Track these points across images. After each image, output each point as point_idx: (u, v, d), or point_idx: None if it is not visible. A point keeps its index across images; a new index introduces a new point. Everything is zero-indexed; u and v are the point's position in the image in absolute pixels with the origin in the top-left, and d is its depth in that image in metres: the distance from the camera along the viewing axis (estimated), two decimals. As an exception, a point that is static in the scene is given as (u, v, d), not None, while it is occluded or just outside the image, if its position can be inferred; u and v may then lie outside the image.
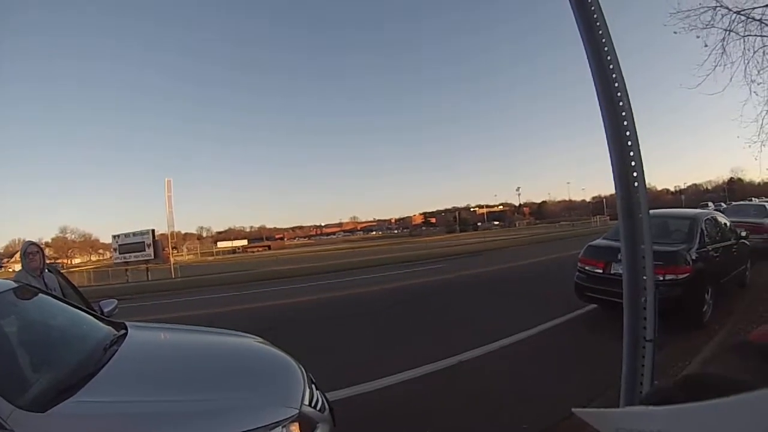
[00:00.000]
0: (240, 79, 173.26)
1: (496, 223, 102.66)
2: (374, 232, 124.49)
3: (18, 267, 3.73)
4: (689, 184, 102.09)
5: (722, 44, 8.25)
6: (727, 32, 8.15)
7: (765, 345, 0.45)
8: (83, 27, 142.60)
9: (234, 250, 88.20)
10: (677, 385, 0.45)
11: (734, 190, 74.02)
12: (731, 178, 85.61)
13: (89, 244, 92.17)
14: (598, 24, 1.71)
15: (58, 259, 74.38)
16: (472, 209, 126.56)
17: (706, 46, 8.33)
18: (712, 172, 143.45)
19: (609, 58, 1.71)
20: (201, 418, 1.84)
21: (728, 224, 7.11)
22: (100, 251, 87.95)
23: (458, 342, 5.31)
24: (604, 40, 1.71)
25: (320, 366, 3.10)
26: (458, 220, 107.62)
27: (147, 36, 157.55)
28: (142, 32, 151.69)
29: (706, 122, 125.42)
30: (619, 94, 1.69)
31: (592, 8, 1.70)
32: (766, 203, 12.80)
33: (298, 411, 2.07)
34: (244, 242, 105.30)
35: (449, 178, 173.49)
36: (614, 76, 1.70)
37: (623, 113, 1.66)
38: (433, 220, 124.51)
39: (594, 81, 1.75)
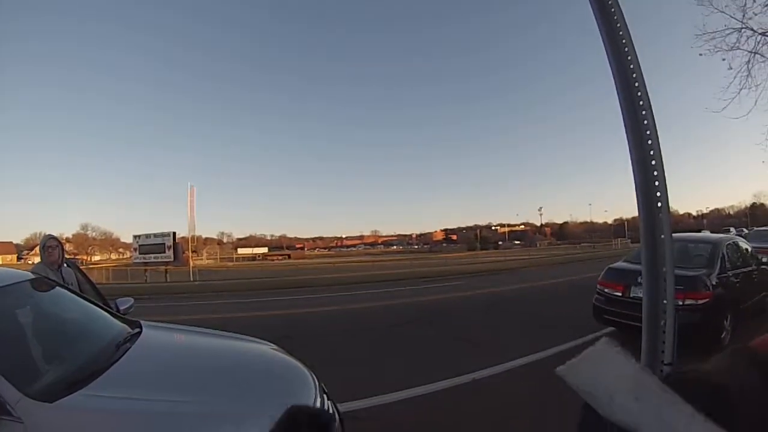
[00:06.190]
0: (270, 84, 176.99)
1: (517, 242, 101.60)
2: (395, 247, 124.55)
3: (37, 260, 3.78)
4: (711, 208, 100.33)
5: (747, 66, 8.13)
6: (753, 54, 8.02)
7: (761, 354, 0.43)
8: (108, 39, 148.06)
9: (254, 258, 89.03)
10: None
11: (757, 215, 71.75)
12: (753, 203, 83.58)
13: (110, 243, 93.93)
14: (624, 41, 1.67)
15: (77, 255, 76.03)
16: (493, 227, 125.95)
17: (730, 68, 8.20)
18: (735, 196, 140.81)
19: (635, 75, 1.66)
20: (206, 421, 1.83)
21: (750, 250, 6.96)
22: (120, 250, 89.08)
23: (473, 359, 5.27)
24: (630, 58, 1.67)
25: (333, 376, 3.06)
26: (479, 238, 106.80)
27: (175, 35, 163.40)
28: (169, 31, 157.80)
29: (729, 146, 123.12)
30: (644, 113, 1.65)
31: (618, 24, 1.67)
32: None
33: None
34: (265, 250, 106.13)
35: (471, 196, 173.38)
36: (639, 94, 1.65)
37: (647, 131, 1.61)
38: (454, 237, 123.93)
39: (619, 99, 1.70)
